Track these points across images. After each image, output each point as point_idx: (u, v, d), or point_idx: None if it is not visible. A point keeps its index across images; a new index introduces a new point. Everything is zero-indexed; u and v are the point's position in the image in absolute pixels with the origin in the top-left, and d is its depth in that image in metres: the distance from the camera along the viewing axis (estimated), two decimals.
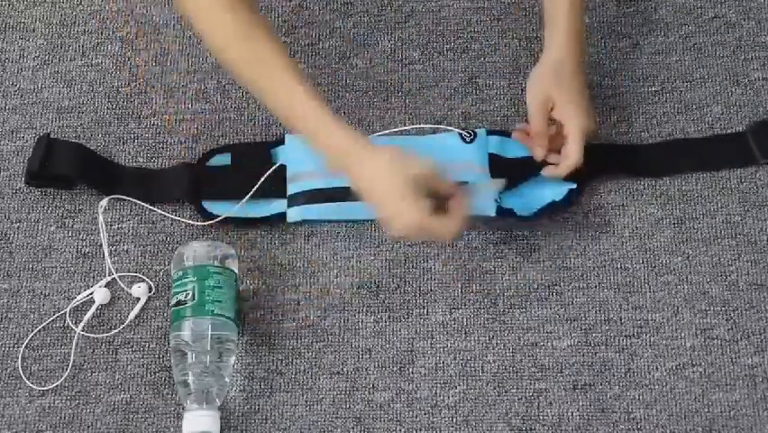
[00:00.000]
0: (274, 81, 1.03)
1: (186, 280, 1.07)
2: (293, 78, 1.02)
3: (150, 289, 1.13)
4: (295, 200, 1.15)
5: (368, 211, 1.14)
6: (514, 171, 1.16)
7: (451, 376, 1.09)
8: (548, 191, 1.15)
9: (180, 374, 1.05)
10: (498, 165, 1.16)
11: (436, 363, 1.10)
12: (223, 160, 1.19)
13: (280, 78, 1.02)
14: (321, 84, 1.23)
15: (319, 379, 1.09)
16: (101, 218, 1.14)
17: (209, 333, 1.06)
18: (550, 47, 1.12)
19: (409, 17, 1.28)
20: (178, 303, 1.07)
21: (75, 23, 1.28)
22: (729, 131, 1.20)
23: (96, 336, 1.11)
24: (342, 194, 1.15)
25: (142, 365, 1.10)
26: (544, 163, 1.14)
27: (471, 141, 1.17)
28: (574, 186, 1.14)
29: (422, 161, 1.02)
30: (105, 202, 1.14)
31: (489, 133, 1.18)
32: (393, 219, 1.01)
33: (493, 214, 1.14)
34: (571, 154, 1.10)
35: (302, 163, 1.17)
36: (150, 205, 1.17)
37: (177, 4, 1.08)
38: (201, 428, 1.03)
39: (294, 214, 1.15)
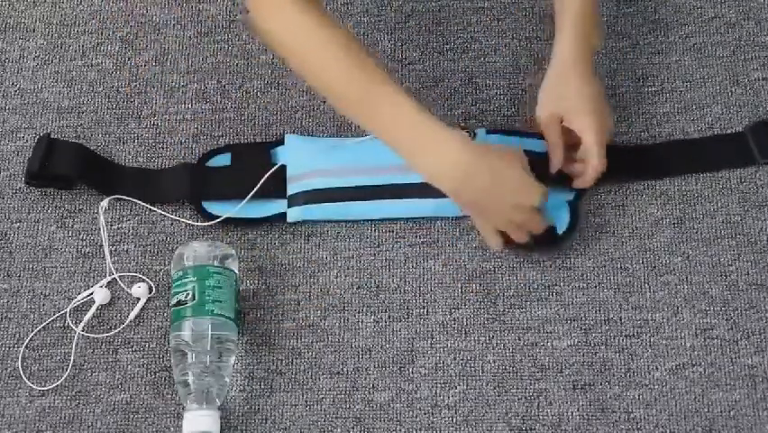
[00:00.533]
0: (361, 76, 1.01)
1: (186, 280, 1.07)
2: (381, 74, 1.01)
3: (150, 289, 1.13)
4: (295, 200, 1.15)
5: (367, 211, 1.15)
6: None
7: (451, 376, 1.09)
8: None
9: (180, 374, 1.05)
10: None
11: (436, 363, 1.10)
12: (223, 160, 1.19)
13: (368, 71, 1.01)
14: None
15: (319, 379, 1.09)
16: (101, 218, 1.14)
17: (209, 333, 1.06)
18: (554, 57, 1.12)
19: (409, 17, 1.28)
20: (178, 303, 1.07)
21: (75, 23, 1.28)
22: (729, 131, 1.20)
23: (95, 335, 1.11)
24: (342, 194, 1.15)
25: (142, 365, 1.10)
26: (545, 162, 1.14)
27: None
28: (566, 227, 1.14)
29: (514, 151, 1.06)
30: (105, 203, 1.14)
31: (489, 132, 1.18)
32: (516, 202, 1.04)
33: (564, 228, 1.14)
34: (594, 164, 1.10)
35: (302, 163, 1.17)
36: (151, 205, 1.17)
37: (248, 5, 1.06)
38: (201, 427, 1.03)
39: (294, 214, 1.15)
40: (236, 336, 1.08)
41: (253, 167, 1.16)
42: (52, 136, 1.18)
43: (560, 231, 1.13)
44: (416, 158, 1.03)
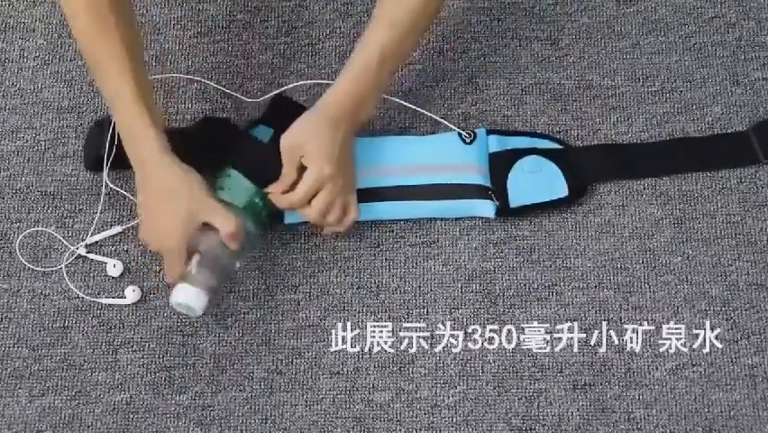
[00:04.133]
0: (109, 68, 1.05)
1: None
2: (127, 72, 1.04)
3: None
4: None
5: (367, 213, 1.15)
6: (509, 164, 1.16)
7: (451, 376, 1.09)
8: (547, 190, 1.15)
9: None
10: (497, 161, 1.17)
11: (436, 363, 1.10)
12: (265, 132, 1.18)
13: (115, 68, 1.04)
14: (321, 84, 1.23)
15: (319, 379, 1.09)
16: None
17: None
18: (322, 98, 1.11)
19: None
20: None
21: None
22: (729, 131, 1.20)
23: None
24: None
25: (142, 365, 1.10)
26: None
27: (471, 142, 1.17)
28: (565, 194, 1.15)
29: (227, 220, 1.03)
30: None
31: (489, 132, 1.18)
32: (152, 230, 1.07)
33: (492, 215, 1.14)
34: (296, 191, 1.08)
35: None
36: None
37: None
38: (183, 300, 1.04)
39: (295, 214, 1.15)
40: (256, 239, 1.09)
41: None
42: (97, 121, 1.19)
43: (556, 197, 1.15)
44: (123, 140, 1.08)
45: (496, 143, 1.17)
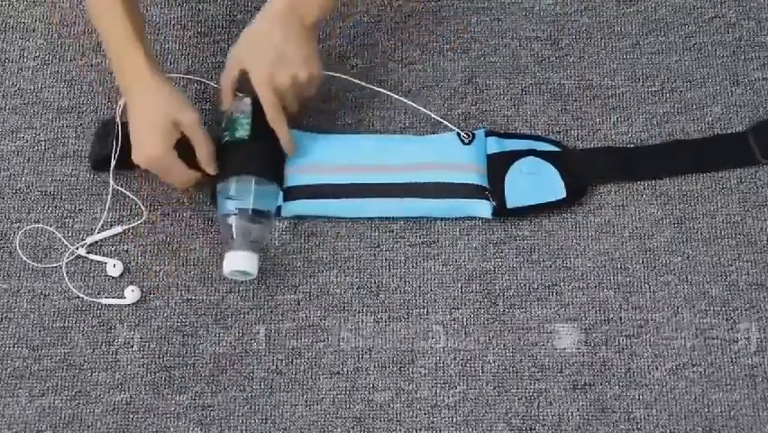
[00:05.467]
0: (107, 14, 1.11)
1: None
2: (121, 13, 1.09)
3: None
4: (291, 195, 1.15)
5: (366, 210, 1.15)
6: (507, 165, 1.16)
7: (451, 376, 1.09)
8: (544, 192, 1.15)
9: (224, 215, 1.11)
10: (495, 162, 1.17)
11: (436, 363, 1.10)
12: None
13: (112, 12, 1.10)
14: (321, 84, 1.23)
15: (319, 379, 1.09)
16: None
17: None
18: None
19: (409, 17, 1.28)
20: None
21: (75, 23, 1.28)
22: (729, 131, 1.20)
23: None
24: (341, 191, 1.15)
25: (142, 365, 1.10)
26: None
27: (470, 142, 1.17)
28: (563, 195, 1.15)
29: (188, 112, 1.09)
30: (122, 102, 1.17)
31: (488, 134, 1.18)
32: (139, 146, 1.10)
33: (489, 216, 1.14)
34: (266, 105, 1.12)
35: (300, 157, 1.16)
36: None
37: None
38: (239, 267, 1.08)
39: (290, 208, 1.15)
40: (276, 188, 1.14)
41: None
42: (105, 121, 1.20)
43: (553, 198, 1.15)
44: (115, 71, 1.14)
45: (494, 145, 1.17)
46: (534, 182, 1.15)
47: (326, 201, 1.15)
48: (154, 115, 1.09)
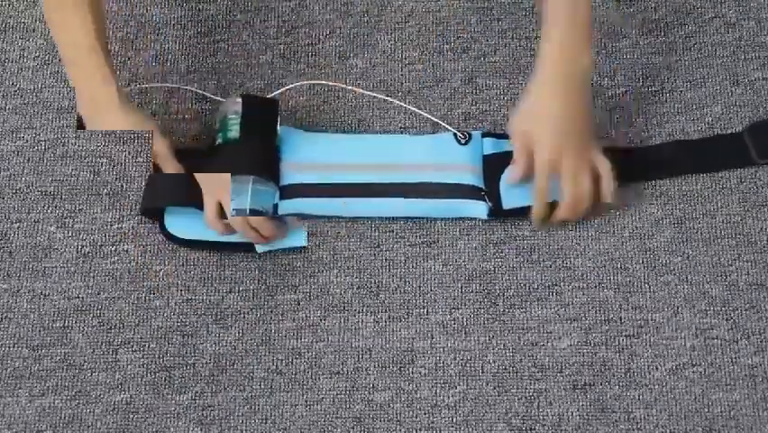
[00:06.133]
0: (69, 26, 1.08)
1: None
2: (86, 25, 1.08)
3: None
4: (288, 193, 1.15)
5: (363, 209, 1.14)
6: (503, 166, 1.16)
7: (451, 376, 1.09)
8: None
9: None
10: (490, 163, 1.16)
11: (436, 363, 1.10)
12: None
13: (74, 23, 1.08)
14: (321, 84, 1.23)
15: (319, 379, 1.09)
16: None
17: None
18: (535, 72, 1.10)
19: (409, 17, 1.28)
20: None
21: None
22: (729, 131, 1.20)
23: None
24: (338, 190, 1.14)
25: (142, 365, 1.10)
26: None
27: (466, 143, 1.17)
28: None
29: (158, 141, 1.11)
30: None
31: (485, 135, 1.18)
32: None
33: (485, 217, 1.14)
34: (538, 187, 1.10)
35: (297, 156, 1.16)
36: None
37: None
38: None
39: (286, 206, 1.15)
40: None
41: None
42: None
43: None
44: (76, 90, 1.12)
45: (491, 146, 1.17)
46: (531, 183, 1.15)
47: (322, 200, 1.15)
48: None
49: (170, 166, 1.12)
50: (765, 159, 1.17)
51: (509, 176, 1.14)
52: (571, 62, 1.08)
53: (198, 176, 1.11)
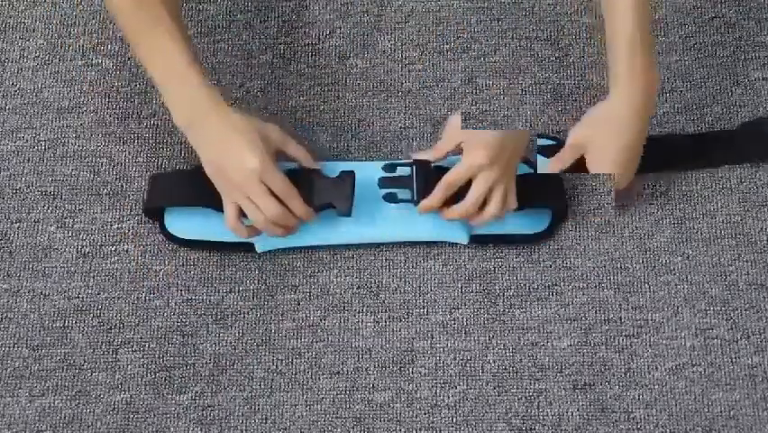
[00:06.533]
0: (157, 39, 1.04)
1: None
2: (175, 36, 1.04)
3: None
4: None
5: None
6: None
7: (451, 376, 1.09)
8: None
9: None
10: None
11: (436, 363, 1.10)
12: None
13: (162, 35, 1.04)
14: (321, 84, 1.23)
15: (319, 379, 1.09)
16: None
17: None
18: (610, 96, 1.09)
19: (409, 17, 1.28)
20: None
21: (75, 23, 1.28)
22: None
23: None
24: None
25: (142, 365, 1.10)
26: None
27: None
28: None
29: (274, 126, 1.06)
30: None
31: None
32: (234, 167, 1.03)
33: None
34: (447, 177, 1.06)
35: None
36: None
37: None
38: None
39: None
40: None
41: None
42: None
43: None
44: (171, 104, 1.06)
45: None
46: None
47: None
48: (240, 135, 1.03)
49: (292, 142, 1.08)
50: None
51: (551, 165, 1.11)
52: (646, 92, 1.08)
53: (218, 181, 1.07)
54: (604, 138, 1.09)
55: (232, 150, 1.03)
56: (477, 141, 1.05)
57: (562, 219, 1.15)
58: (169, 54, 1.04)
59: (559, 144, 1.15)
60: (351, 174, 1.09)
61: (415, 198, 1.09)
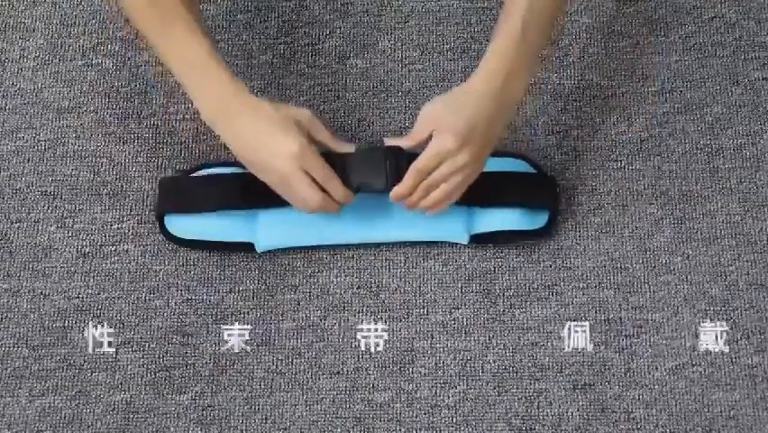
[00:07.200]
0: (175, 35, 1.03)
1: None
2: (193, 29, 1.03)
3: None
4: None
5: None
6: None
7: (451, 376, 1.09)
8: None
9: None
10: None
11: (436, 363, 1.10)
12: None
13: (180, 30, 1.03)
14: (321, 84, 1.23)
15: (319, 379, 1.09)
16: None
17: None
18: (470, 76, 1.06)
19: (409, 17, 1.28)
20: None
21: (75, 23, 1.28)
22: (729, 131, 1.20)
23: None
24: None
25: (142, 365, 1.10)
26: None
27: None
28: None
29: (304, 110, 1.04)
30: None
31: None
32: (272, 155, 1.02)
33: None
34: (416, 163, 1.04)
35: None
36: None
37: None
38: None
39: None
40: None
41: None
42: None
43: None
44: (196, 98, 1.05)
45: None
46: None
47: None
48: (272, 123, 1.01)
49: (322, 128, 1.06)
50: None
51: (403, 141, 1.07)
52: (504, 89, 1.04)
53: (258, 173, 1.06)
54: (452, 107, 1.04)
55: (267, 141, 1.02)
56: (446, 126, 1.03)
57: (555, 217, 1.14)
58: (188, 48, 1.03)
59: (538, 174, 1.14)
60: (380, 148, 1.07)
61: (387, 186, 1.06)
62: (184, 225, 1.13)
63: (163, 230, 1.14)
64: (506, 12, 1.06)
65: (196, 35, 1.03)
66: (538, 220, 1.14)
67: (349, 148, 1.08)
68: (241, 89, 1.03)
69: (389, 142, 1.09)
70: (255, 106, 1.03)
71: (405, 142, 1.07)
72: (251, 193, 1.08)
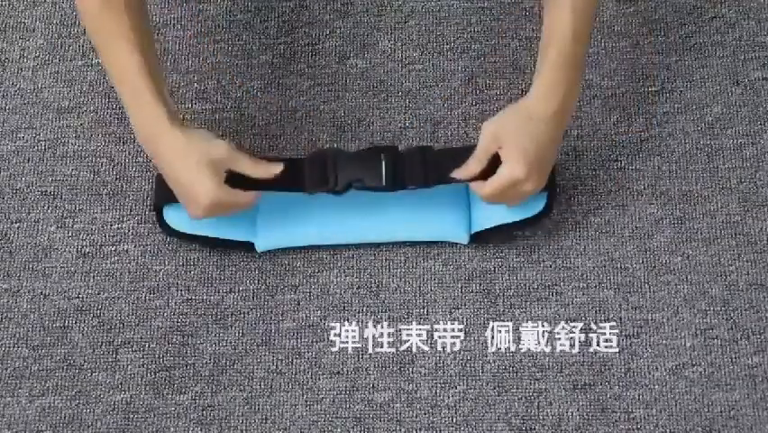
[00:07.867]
0: (115, 48, 1.03)
1: None
2: (132, 47, 1.02)
3: None
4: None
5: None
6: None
7: (451, 376, 1.09)
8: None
9: None
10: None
11: (436, 363, 1.10)
12: None
13: (120, 45, 1.02)
14: (321, 84, 1.23)
15: (319, 379, 1.09)
16: None
17: None
18: (528, 93, 1.06)
19: (409, 17, 1.28)
20: None
21: (75, 23, 1.28)
22: (729, 131, 1.20)
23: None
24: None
25: (142, 365, 1.10)
26: None
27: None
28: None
29: (220, 144, 1.03)
30: None
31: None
32: (190, 202, 1.03)
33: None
34: (483, 189, 1.04)
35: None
36: None
37: None
38: None
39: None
40: None
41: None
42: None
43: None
44: (129, 115, 1.05)
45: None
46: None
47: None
48: (185, 165, 1.02)
49: (241, 162, 1.04)
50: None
51: (458, 174, 1.06)
52: (563, 105, 1.05)
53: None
54: (521, 132, 1.03)
55: (183, 181, 1.03)
56: (516, 155, 1.02)
57: (554, 198, 1.13)
58: (123, 67, 1.03)
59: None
60: (376, 147, 1.08)
61: (384, 185, 1.06)
62: (182, 218, 1.12)
63: (161, 223, 1.13)
64: (551, 26, 1.04)
65: (134, 55, 1.02)
66: (537, 205, 1.12)
67: (276, 167, 1.06)
68: (163, 117, 1.02)
69: (457, 174, 1.06)
70: (170, 141, 1.02)
71: (472, 168, 1.05)
72: (249, 181, 1.08)
